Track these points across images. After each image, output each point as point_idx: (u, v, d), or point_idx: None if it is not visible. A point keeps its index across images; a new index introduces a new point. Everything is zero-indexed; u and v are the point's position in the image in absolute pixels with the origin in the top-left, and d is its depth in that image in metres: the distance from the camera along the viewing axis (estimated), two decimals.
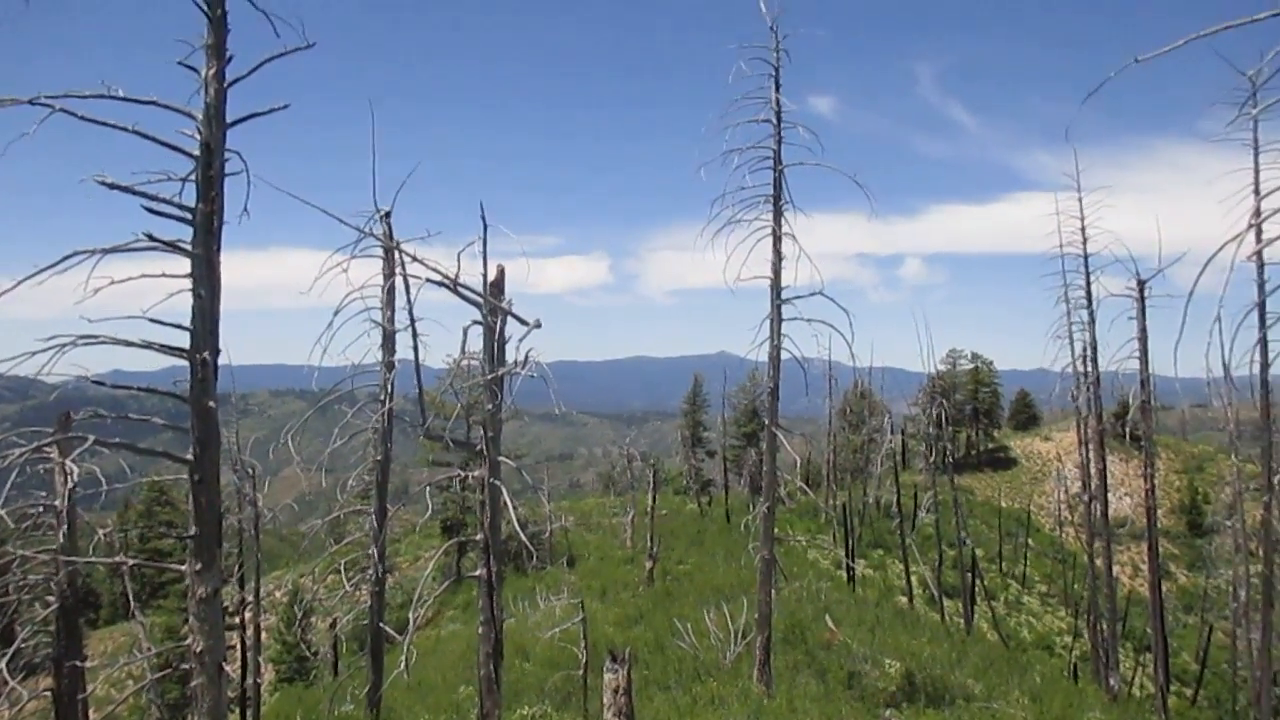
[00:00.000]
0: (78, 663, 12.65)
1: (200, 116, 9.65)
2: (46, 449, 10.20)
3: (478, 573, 8.08)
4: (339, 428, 10.66)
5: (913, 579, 34.96)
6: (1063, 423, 69.92)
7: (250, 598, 18.16)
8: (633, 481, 51.74)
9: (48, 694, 12.59)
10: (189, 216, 9.47)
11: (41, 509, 12.29)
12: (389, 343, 11.03)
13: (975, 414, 70.44)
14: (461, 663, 20.48)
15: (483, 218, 8.40)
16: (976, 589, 32.39)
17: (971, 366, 71.51)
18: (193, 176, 9.65)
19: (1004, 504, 55.91)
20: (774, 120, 15.59)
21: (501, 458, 8.18)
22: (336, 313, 10.77)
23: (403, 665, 7.40)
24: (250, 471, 16.84)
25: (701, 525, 44.71)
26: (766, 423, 16.34)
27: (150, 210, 9.32)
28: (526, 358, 8.06)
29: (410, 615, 7.69)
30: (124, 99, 9.20)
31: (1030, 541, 49.22)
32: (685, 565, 34.97)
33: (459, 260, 8.56)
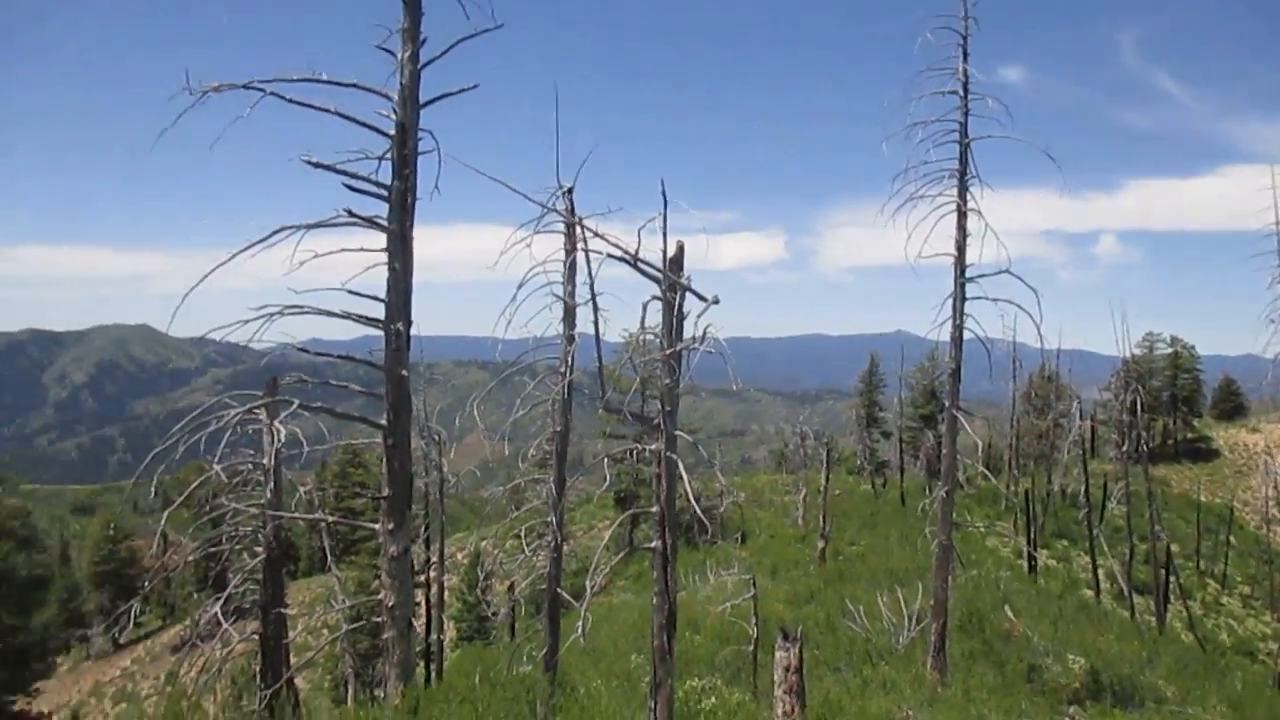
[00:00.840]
0: (281, 610, 13.63)
1: (396, 98, 10.09)
2: (256, 411, 10.95)
3: (652, 544, 8.19)
4: (520, 398, 10.98)
5: (1100, 572, 33.28)
6: (1273, 413, 64.84)
7: (435, 558, 19.05)
8: (805, 460, 51.27)
9: (255, 637, 13.62)
10: (385, 193, 9.94)
11: (251, 467, 13.24)
12: (570, 317, 11.26)
13: (1174, 401, 66.09)
14: (633, 631, 20.85)
15: (663, 193, 8.44)
16: (1171, 586, 30.55)
17: (1170, 351, 67.07)
18: (388, 155, 10.13)
19: (1203, 498, 52.32)
20: (961, 92, 15.02)
21: (678, 432, 8.25)
22: (520, 287, 11.03)
23: (580, 630, 7.60)
24: (437, 438, 17.61)
25: (875, 507, 43.89)
26: (947, 405, 15.86)
27: (350, 188, 9.84)
28: (704, 334, 8.08)
29: (587, 583, 7.88)
30: (327, 82, 9.73)
31: (1232, 539, 45.95)
32: (858, 546, 34.46)
33: (639, 236, 8.63)
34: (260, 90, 9.61)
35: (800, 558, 32.40)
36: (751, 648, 14.07)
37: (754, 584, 14.20)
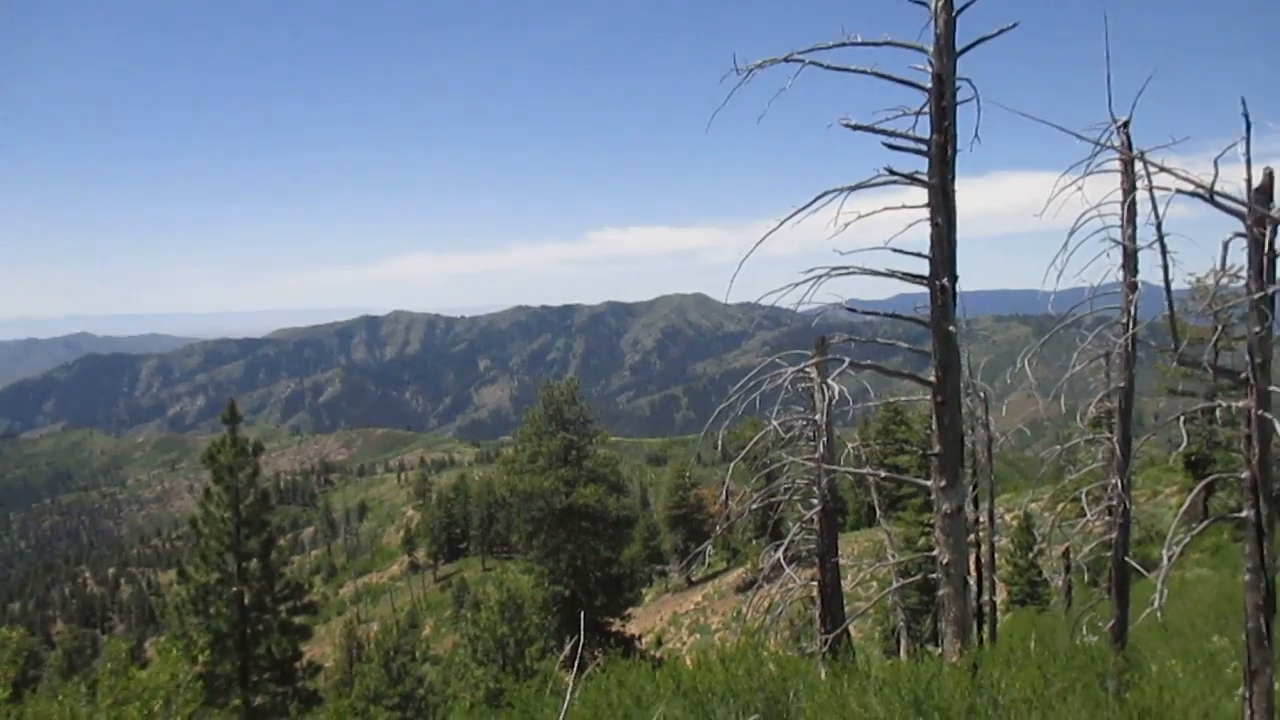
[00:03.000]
0: (836, 559, 14.25)
1: (931, 49, 9.89)
2: (808, 369, 11.47)
3: (1242, 514, 7.25)
4: (1077, 353, 10.28)
5: None
6: None
7: (984, 518, 18.64)
8: None
9: (813, 584, 14.40)
10: (924, 148, 9.82)
11: (803, 423, 13.94)
12: (1130, 262, 10.29)
13: None
14: (1212, 611, 18.68)
15: (1244, 114, 7.37)
16: None
17: None
18: (926, 109, 9.97)
19: None
20: None
21: (1272, 387, 7.19)
22: (1071, 233, 10.33)
23: (1155, 603, 6.98)
24: (982, 395, 17.14)
25: None
26: None
27: (889, 145, 9.86)
28: None
29: (1164, 553, 7.17)
30: (861, 44, 9.80)
31: None
32: None
33: (1215, 166, 7.65)
34: (800, 61, 9.93)
35: None
36: None
37: None
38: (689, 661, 8.83)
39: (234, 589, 21.29)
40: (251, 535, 21.58)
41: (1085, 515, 11.24)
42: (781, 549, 13.21)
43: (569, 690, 5.50)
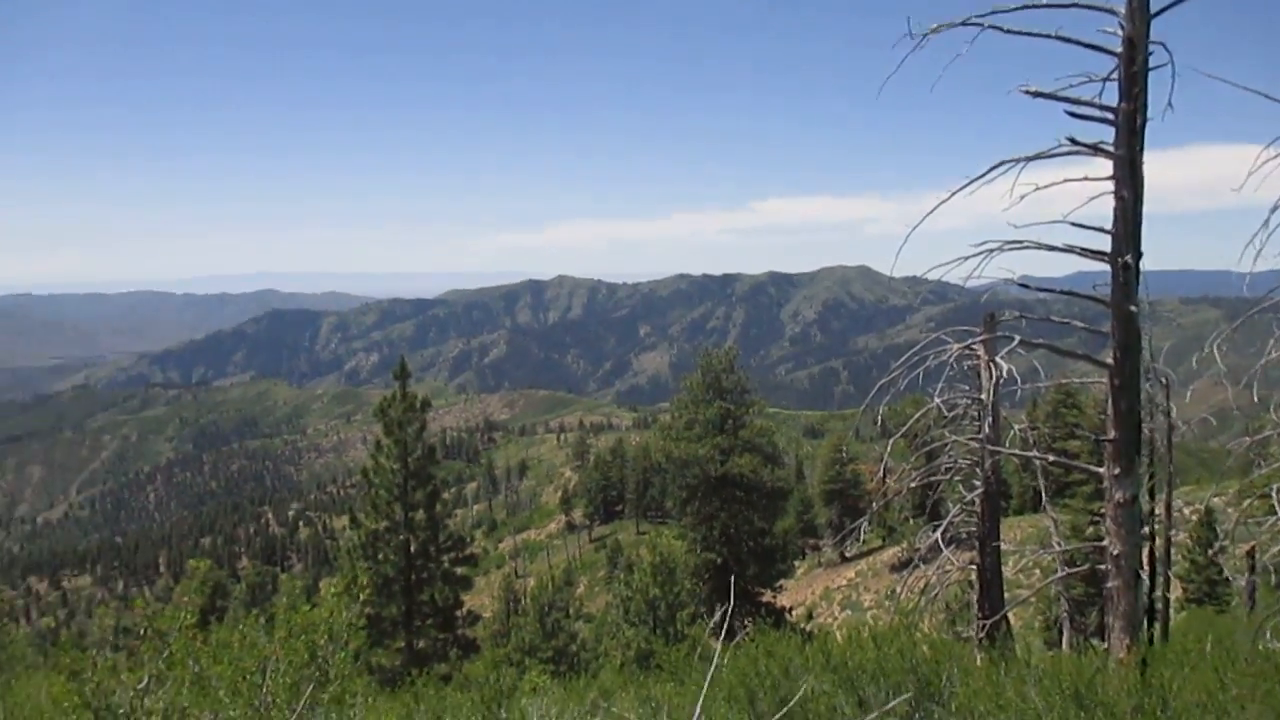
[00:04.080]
0: (998, 544, 13.81)
1: (1123, 11, 9.31)
2: (974, 346, 11.11)
3: None
4: (1274, 340, 9.56)
5: None
6: None
7: (1160, 510, 17.61)
8: None
9: (972, 567, 14.00)
10: (1110, 117, 9.29)
11: (968, 401, 13.49)
12: None
13: None
14: None
15: None
16: None
17: None
18: (1114, 75, 9.41)
19: None
20: None
21: None
22: (1273, 210, 9.61)
23: None
24: (1163, 380, 16.15)
25: None
26: None
27: (1072, 114, 9.37)
28: None
29: None
30: (1045, 5, 9.33)
31: None
32: None
33: None
34: (978, 25, 9.54)
35: None
36: None
37: None
38: (839, 637, 8.75)
39: (401, 537, 22.35)
40: (418, 487, 22.56)
41: (1276, 514, 10.48)
42: (940, 530, 12.86)
43: (715, 654, 5.54)
